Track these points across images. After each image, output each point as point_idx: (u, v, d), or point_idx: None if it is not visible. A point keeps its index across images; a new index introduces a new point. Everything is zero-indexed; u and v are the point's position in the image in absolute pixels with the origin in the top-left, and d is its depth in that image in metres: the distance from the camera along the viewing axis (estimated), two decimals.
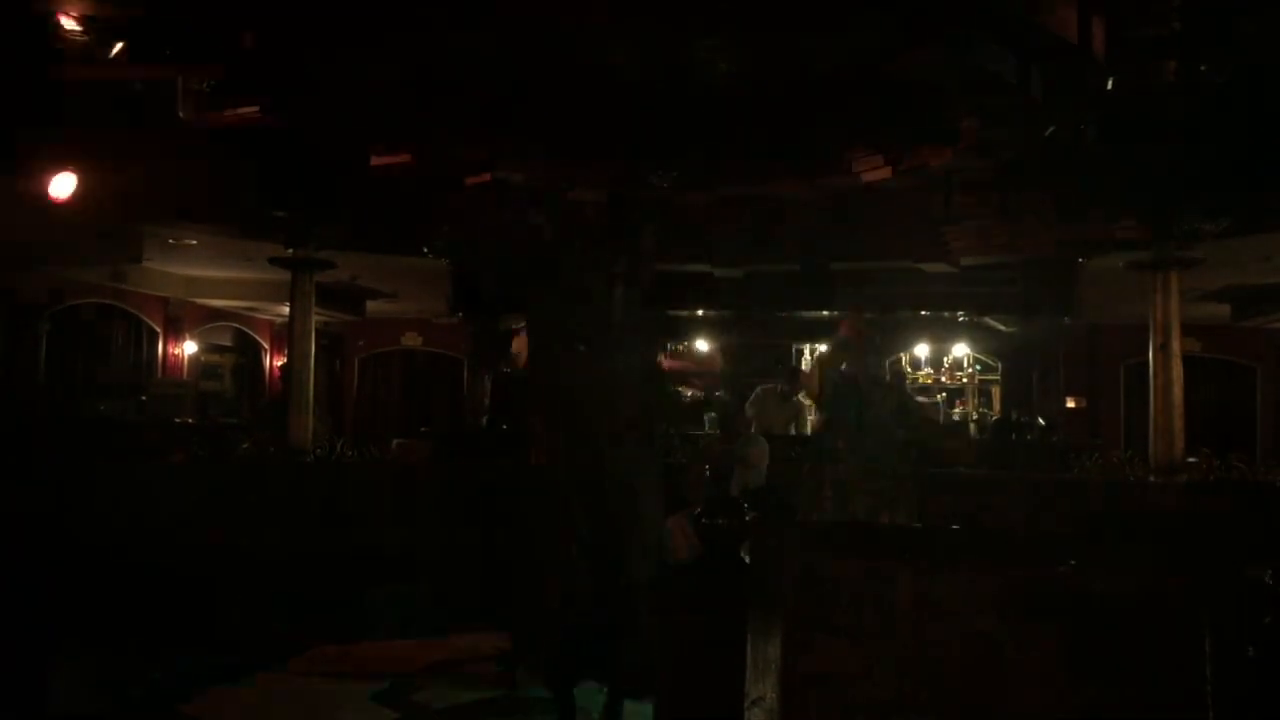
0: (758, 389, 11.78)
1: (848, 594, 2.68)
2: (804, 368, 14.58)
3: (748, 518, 3.11)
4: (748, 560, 2.99)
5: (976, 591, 2.69)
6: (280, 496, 7.75)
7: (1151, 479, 8.01)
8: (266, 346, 17.43)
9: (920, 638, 2.67)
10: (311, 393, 9.15)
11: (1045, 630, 2.66)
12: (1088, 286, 11.60)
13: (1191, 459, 8.41)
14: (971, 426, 14.40)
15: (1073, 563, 2.75)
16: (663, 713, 3.06)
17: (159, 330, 14.74)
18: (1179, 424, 8.21)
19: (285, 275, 9.28)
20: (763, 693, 2.69)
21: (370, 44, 5.62)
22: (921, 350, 14.90)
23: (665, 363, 5.42)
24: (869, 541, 2.87)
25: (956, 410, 14.67)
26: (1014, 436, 11.70)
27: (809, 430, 12.62)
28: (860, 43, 5.46)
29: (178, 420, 12.50)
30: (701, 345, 14.93)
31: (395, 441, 10.91)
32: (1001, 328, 13.86)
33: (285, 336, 12.81)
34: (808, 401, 14.01)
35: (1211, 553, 3.08)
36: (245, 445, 8.95)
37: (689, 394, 7.56)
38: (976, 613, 2.68)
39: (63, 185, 7.60)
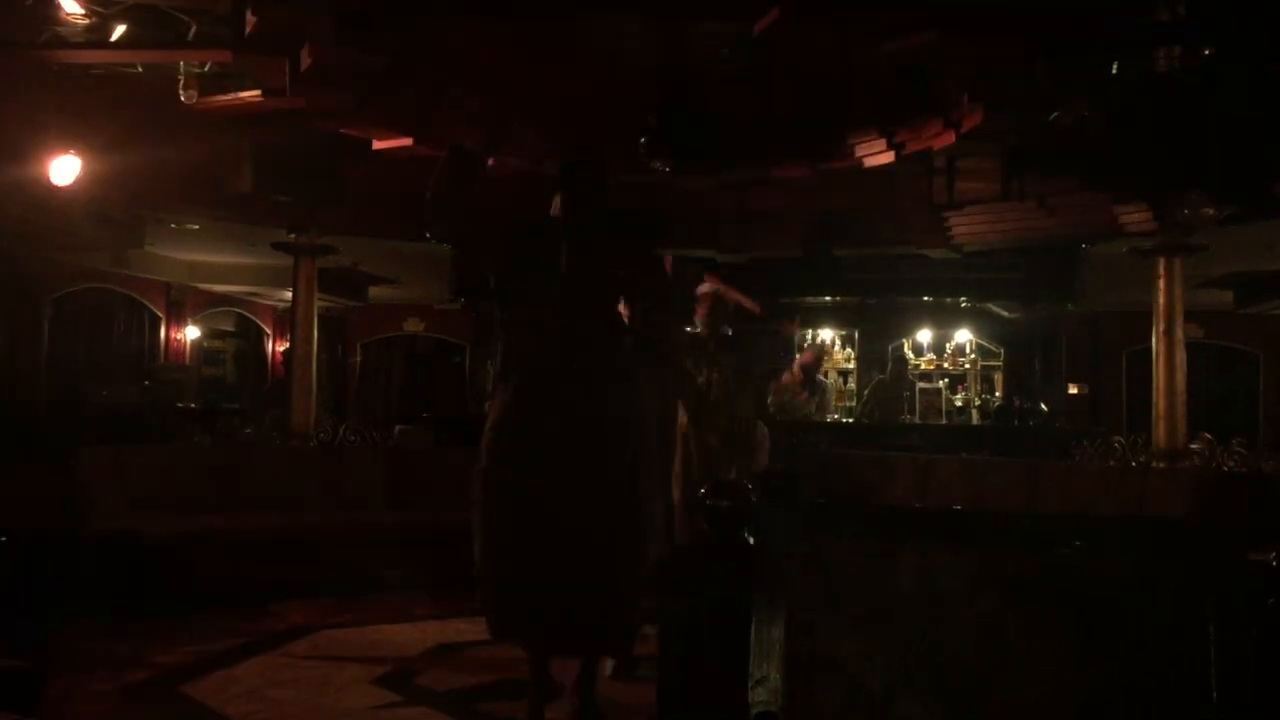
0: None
1: (851, 576, 2.68)
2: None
3: (751, 499, 3.12)
4: (751, 542, 2.99)
5: (980, 575, 2.69)
6: (282, 481, 7.76)
7: (1154, 465, 8.00)
8: (269, 331, 17.45)
9: (923, 620, 2.67)
10: (314, 378, 9.15)
11: (1049, 613, 2.66)
12: (1090, 272, 11.61)
13: (1194, 445, 8.40)
14: (974, 413, 14.41)
15: (1077, 545, 2.75)
16: (666, 694, 3.06)
17: (161, 315, 14.75)
18: (1181, 410, 8.20)
19: (287, 260, 9.27)
20: (767, 673, 2.69)
21: (375, 25, 5.61)
22: (924, 336, 14.90)
23: None
24: (873, 523, 2.88)
25: (959, 396, 14.67)
26: (1016, 422, 11.72)
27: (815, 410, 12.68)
28: (865, 27, 5.45)
29: (180, 405, 12.52)
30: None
31: (397, 427, 10.94)
32: (1004, 314, 13.87)
33: (287, 321, 12.81)
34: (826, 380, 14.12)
35: (1215, 536, 3.08)
36: (247, 430, 8.96)
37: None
38: (980, 596, 2.68)
39: (65, 170, 7.59)
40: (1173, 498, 7.17)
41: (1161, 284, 8.28)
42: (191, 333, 15.44)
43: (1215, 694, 2.51)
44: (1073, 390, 15.34)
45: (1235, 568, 2.65)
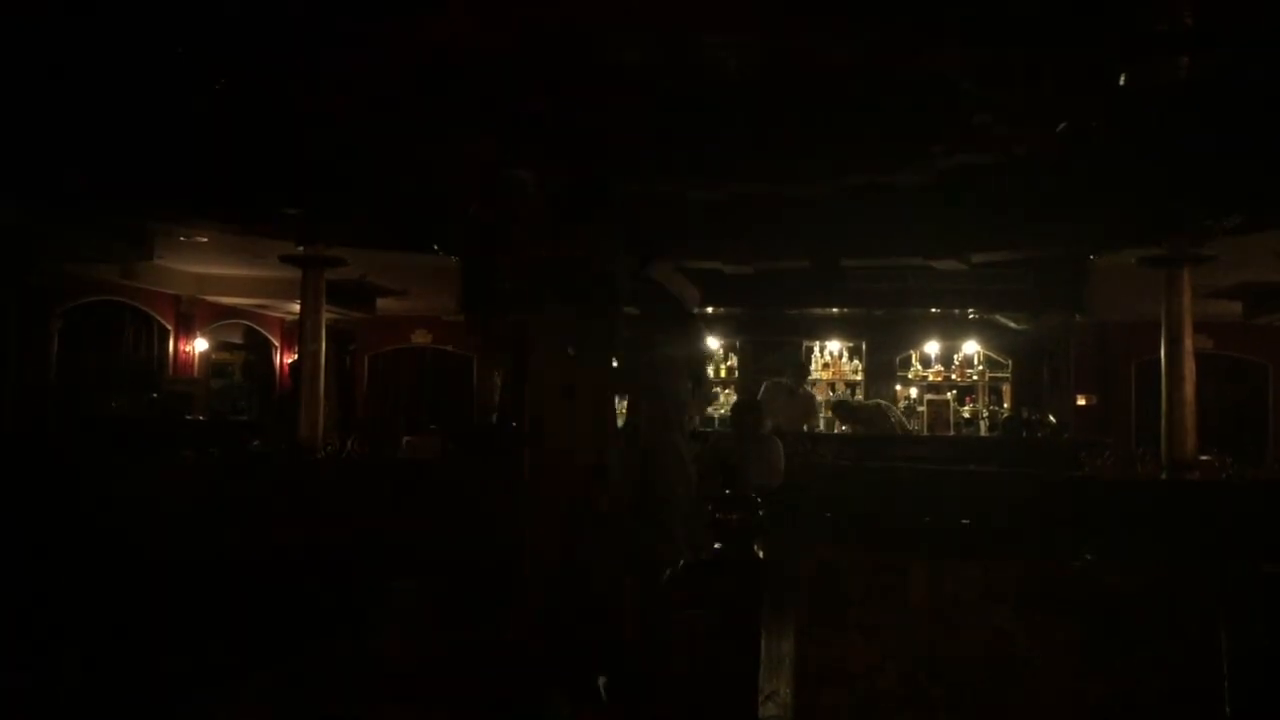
0: (765, 384, 11.79)
1: (861, 589, 2.67)
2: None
3: (761, 514, 3.11)
4: (762, 556, 2.99)
5: (990, 586, 2.69)
6: (290, 493, 7.76)
7: (1164, 476, 7.98)
8: (277, 344, 17.47)
9: (933, 632, 2.66)
10: (322, 390, 9.17)
11: (1060, 625, 2.65)
12: (1099, 283, 11.59)
13: (1204, 456, 8.38)
14: (982, 424, 14.38)
15: (1088, 557, 2.75)
16: (678, 708, 3.06)
17: (170, 327, 14.78)
18: (1190, 421, 8.19)
19: (296, 273, 9.30)
20: (776, 688, 2.69)
21: (383, 41, 5.63)
22: (932, 347, 14.87)
23: None
24: (883, 536, 2.88)
25: (967, 408, 14.64)
26: (1025, 434, 11.69)
27: (822, 426, 12.61)
28: (873, 39, 5.46)
29: (188, 417, 12.55)
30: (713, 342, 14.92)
31: (405, 439, 10.94)
32: (1012, 325, 13.84)
33: (296, 334, 12.84)
34: (821, 397, 14.00)
35: (1227, 548, 3.07)
36: (256, 442, 8.97)
37: None
38: (990, 607, 2.67)
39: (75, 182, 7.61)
40: (1183, 509, 7.14)
41: (1170, 294, 8.26)
42: (200, 345, 15.47)
43: (1228, 707, 2.50)
44: (1081, 401, 15.29)
45: (1249, 580, 2.65)
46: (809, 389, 12.36)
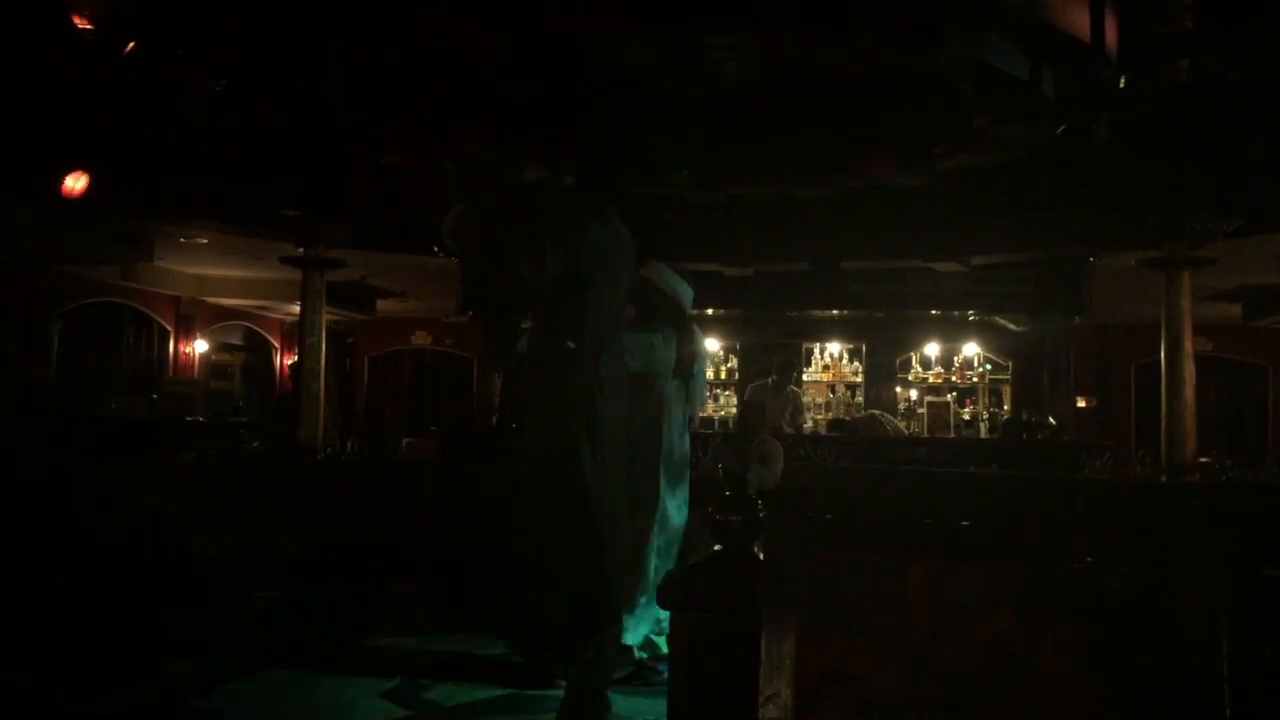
0: (748, 388, 11.81)
1: (862, 590, 2.67)
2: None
3: (762, 515, 3.11)
4: (762, 556, 2.99)
5: (992, 588, 2.68)
6: (290, 495, 7.74)
7: (1163, 479, 7.97)
8: (277, 345, 17.48)
9: (935, 634, 2.66)
10: (321, 391, 9.15)
11: (1060, 628, 2.65)
12: (1099, 286, 11.59)
13: (1204, 458, 8.37)
14: (982, 426, 14.38)
15: (1089, 560, 2.74)
16: (676, 709, 3.05)
17: (170, 329, 14.79)
18: (1190, 424, 8.18)
19: (296, 274, 9.29)
20: (777, 689, 2.68)
21: (381, 41, 5.63)
22: (932, 349, 14.87)
23: None
24: (884, 537, 2.87)
25: (967, 410, 14.63)
26: (1024, 436, 11.69)
27: (811, 424, 12.59)
28: (872, 41, 5.45)
29: (188, 419, 12.54)
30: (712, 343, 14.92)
31: (405, 440, 10.94)
32: (1012, 327, 13.85)
33: (295, 335, 12.84)
34: (820, 399, 13.97)
35: (1227, 552, 3.06)
36: (255, 444, 8.95)
37: None
38: (990, 609, 2.67)
39: (75, 183, 7.63)
40: (1183, 512, 7.12)
41: (1170, 297, 8.25)
42: (200, 346, 15.47)
43: (1229, 711, 2.50)
44: (1081, 404, 15.30)
45: (1250, 584, 2.64)
46: (795, 387, 12.34)
